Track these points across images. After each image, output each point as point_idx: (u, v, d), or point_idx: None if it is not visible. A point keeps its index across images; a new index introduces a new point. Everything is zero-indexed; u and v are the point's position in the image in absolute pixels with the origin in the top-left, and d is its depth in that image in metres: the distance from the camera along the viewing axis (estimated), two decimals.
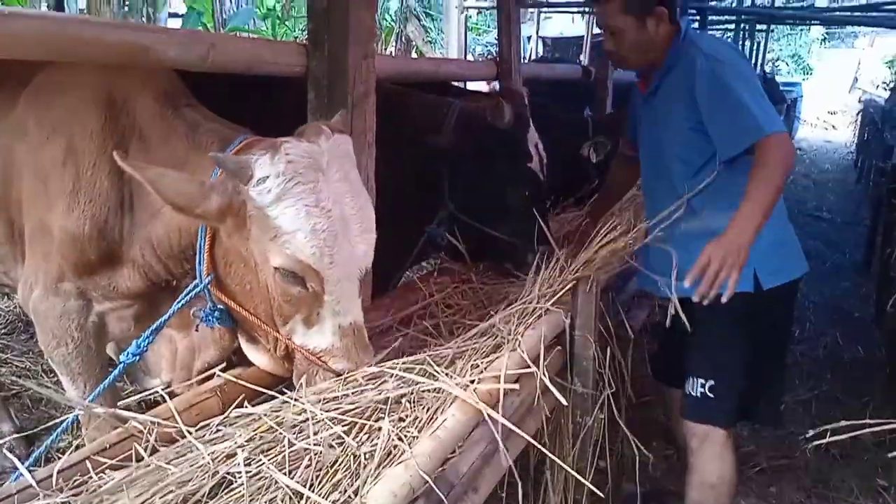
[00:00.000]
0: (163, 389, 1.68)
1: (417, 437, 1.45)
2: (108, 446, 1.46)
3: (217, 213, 1.58)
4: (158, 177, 1.55)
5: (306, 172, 1.56)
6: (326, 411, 1.49)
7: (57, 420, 1.63)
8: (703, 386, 2.37)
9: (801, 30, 25.79)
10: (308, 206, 1.55)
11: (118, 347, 2.23)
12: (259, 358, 1.80)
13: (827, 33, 28.18)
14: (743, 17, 11.40)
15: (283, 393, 1.61)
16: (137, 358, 1.69)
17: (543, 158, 2.78)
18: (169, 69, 1.90)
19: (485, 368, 1.70)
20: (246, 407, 1.56)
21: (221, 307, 1.75)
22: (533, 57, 13.43)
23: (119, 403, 1.70)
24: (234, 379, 1.68)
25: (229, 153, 1.65)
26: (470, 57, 15.10)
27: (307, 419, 1.47)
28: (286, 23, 14.81)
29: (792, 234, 2.41)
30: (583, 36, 15.28)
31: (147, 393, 1.74)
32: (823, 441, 2.00)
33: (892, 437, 2.75)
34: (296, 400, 1.55)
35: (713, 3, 8.80)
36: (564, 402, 1.88)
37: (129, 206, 1.85)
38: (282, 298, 1.64)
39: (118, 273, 1.91)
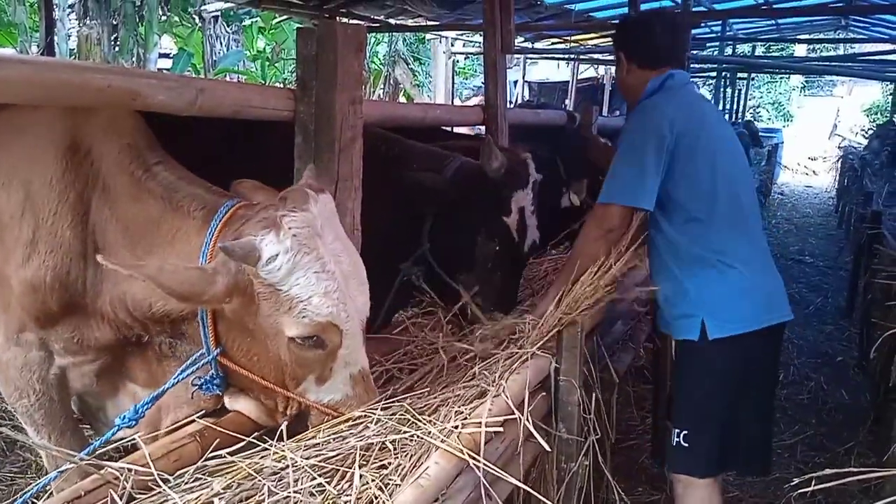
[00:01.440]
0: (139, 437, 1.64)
1: (400, 485, 1.43)
2: (82, 493, 1.42)
3: (224, 297, 1.58)
4: (158, 272, 1.53)
5: (308, 242, 1.59)
6: (307, 458, 1.47)
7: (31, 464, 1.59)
8: (678, 435, 2.40)
9: (781, 78, 26.41)
10: (317, 272, 1.58)
11: (80, 402, 2.14)
12: (249, 408, 1.77)
13: (806, 82, 28.88)
14: (724, 66, 11.67)
15: (262, 440, 1.59)
16: (134, 423, 1.66)
17: (529, 227, 2.75)
18: (136, 114, 1.88)
19: (469, 415, 1.69)
20: (224, 454, 1.53)
21: (222, 375, 1.73)
22: (519, 101, 13.65)
23: (106, 448, 1.66)
24: (213, 425, 1.65)
25: (217, 222, 1.66)
26: (457, 100, 15.30)
27: (287, 466, 1.44)
28: (276, 65, 14.99)
29: (757, 286, 2.39)
30: (568, 81, 15.59)
31: (124, 440, 1.69)
32: (808, 489, 2.01)
33: (877, 483, 2.76)
34: (275, 446, 1.53)
35: (695, 52, 9.01)
36: (548, 448, 1.87)
37: (93, 255, 1.79)
38: (296, 364, 1.65)
39: (84, 325, 1.86)
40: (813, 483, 1.96)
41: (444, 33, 12.23)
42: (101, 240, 1.79)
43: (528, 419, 1.78)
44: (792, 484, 2.40)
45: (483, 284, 2.64)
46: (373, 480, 1.44)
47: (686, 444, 2.39)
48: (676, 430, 2.42)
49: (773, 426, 2.71)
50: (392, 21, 7.74)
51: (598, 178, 3.31)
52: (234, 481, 1.43)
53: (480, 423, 1.63)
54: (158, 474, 1.46)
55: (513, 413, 1.77)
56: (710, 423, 2.39)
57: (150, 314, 1.74)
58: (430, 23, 8.17)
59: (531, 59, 15.22)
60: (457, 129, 5.67)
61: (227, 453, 1.52)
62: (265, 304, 1.59)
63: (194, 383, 1.72)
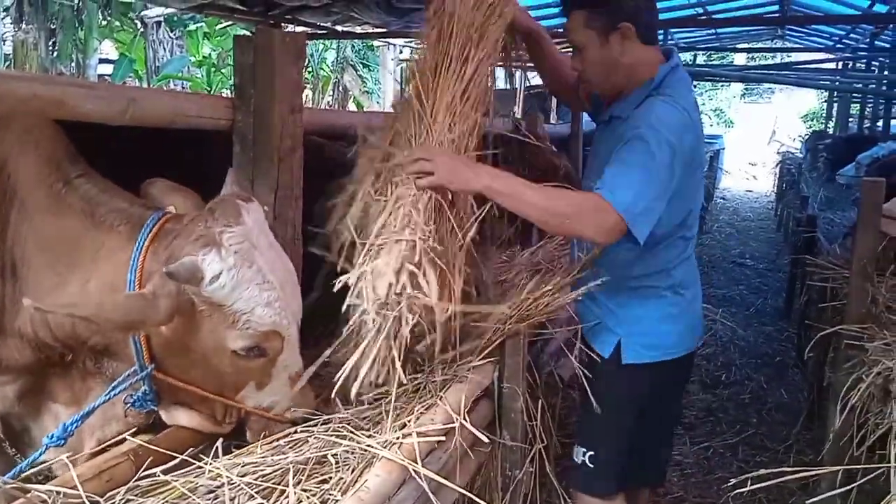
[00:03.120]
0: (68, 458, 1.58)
1: (339, 501, 1.41)
2: None
3: (167, 320, 1.56)
4: (99, 309, 1.49)
5: (247, 255, 1.59)
6: (243, 475, 1.44)
7: None
8: (584, 454, 2.28)
9: (722, 85, 27.19)
10: (259, 283, 1.59)
11: (2, 423, 2.05)
12: (189, 419, 1.74)
13: (746, 89, 29.75)
14: None
15: (198, 458, 1.55)
16: (63, 441, 1.58)
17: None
18: (53, 123, 1.80)
19: (406, 424, 1.68)
20: (157, 473, 1.49)
21: (155, 389, 1.69)
22: None
23: (31, 471, 1.59)
24: (147, 443, 1.60)
25: (145, 237, 1.62)
26: None
27: (223, 484, 1.41)
28: (222, 71, 14.74)
29: (684, 312, 2.27)
30: (516, 88, 15.72)
31: (47, 462, 1.62)
32: (746, 489, 2.07)
33: (814, 480, 2.84)
34: (211, 464, 1.49)
35: None
36: (485, 439, 1.87)
37: (10, 273, 1.72)
38: (237, 374, 1.67)
39: (2, 346, 1.77)
40: (750, 483, 2.03)
41: (391, 40, 12.22)
42: (19, 257, 1.71)
43: (464, 418, 1.78)
44: (730, 484, 2.47)
45: None
46: (313, 496, 1.43)
47: (591, 465, 2.27)
48: (583, 450, 2.28)
49: (672, 444, 2.76)
50: (339, 28, 7.69)
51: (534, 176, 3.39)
52: (167, 501, 1.39)
53: (421, 432, 1.63)
54: (89, 496, 1.41)
55: (454, 421, 1.77)
56: (616, 444, 2.28)
57: (73, 334, 1.67)
58: (377, 30, 8.14)
59: None
60: None
61: (161, 472, 1.48)
62: (207, 322, 1.59)
63: (126, 401, 1.68)
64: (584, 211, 1.94)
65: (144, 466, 1.52)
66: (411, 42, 12.38)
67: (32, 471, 1.51)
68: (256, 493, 1.42)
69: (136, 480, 1.48)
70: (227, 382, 1.68)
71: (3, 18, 10.96)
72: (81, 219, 1.69)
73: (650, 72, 2.11)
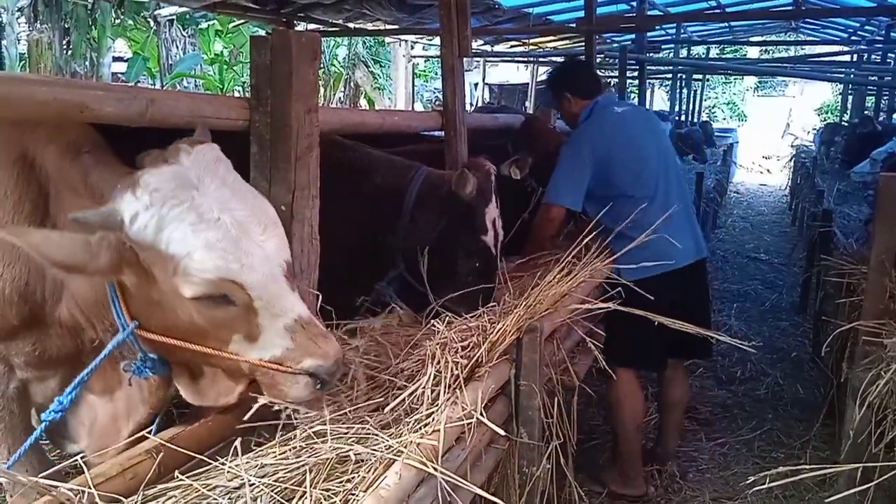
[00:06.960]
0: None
1: (359, 499, 1.42)
2: None
3: (111, 268, 1.50)
4: (43, 240, 1.47)
5: (177, 193, 1.49)
6: (262, 476, 1.45)
7: None
8: None
9: (735, 79, 27.00)
10: (192, 223, 1.47)
11: (38, 416, 2.11)
12: (209, 394, 1.72)
13: (759, 82, 29.53)
14: (680, 68, 11.89)
15: (215, 458, 1.56)
16: (59, 415, 1.60)
17: (500, 235, 2.81)
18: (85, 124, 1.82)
19: (425, 424, 1.69)
20: (176, 474, 1.50)
21: (153, 356, 1.66)
22: (480, 103, 13.72)
23: (56, 468, 1.62)
24: (168, 442, 1.61)
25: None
26: (418, 103, 15.27)
27: (242, 485, 1.42)
28: (234, 69, 14.81)
29: (644, 247, 2.86)
30: (528, 83, 15.69)
31: (72, 459, 1.65)
32: (764, 486, 2.06)
33: (832, 476, 2.82)
34: (230, 465, 1.50)
35: (651, 55, 9.14)
36: (501, 432, 1.88)
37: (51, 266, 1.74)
38: (213, 325, 1.54)
39: (44, 336, 1.81)
40: (768, 480, 2.02)
41: (403, 37, 12.23)
42: None
43: (482, 414, 1.79)
44: (749, 481, 2.47)
45: (464, 295, 2.62)
46: (335, 495, 1.43)
47: None
48: None
49: None
50: (351, 25, 7.70)
51: (544, 158, 3.45)
52: (188, 502, 1.40)
53: (439, 430, 1.64)
54: (110, 495, 1.43)
55: (470, 418, 1.77)
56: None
57: (94, 305, 1.70)
58: (388, 27, 8.15)
59: (491, 61, 15.29)
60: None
61: (180, 472, 1.49)
62: (156, 270, 1.50)
63: (126, 369, 1.67)
64: (536, 223, 3.38)
65: (164, 463, 1.54)
66: (422, 38, 12.39)
67: (66, 464, 1.53)
68: (276, 493, 1.43)
69: (156, 481, 1.49)
70: (210, 336, 1.56)
71: (17, 18, 11.04)
72: (83, 192, 1.69)
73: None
